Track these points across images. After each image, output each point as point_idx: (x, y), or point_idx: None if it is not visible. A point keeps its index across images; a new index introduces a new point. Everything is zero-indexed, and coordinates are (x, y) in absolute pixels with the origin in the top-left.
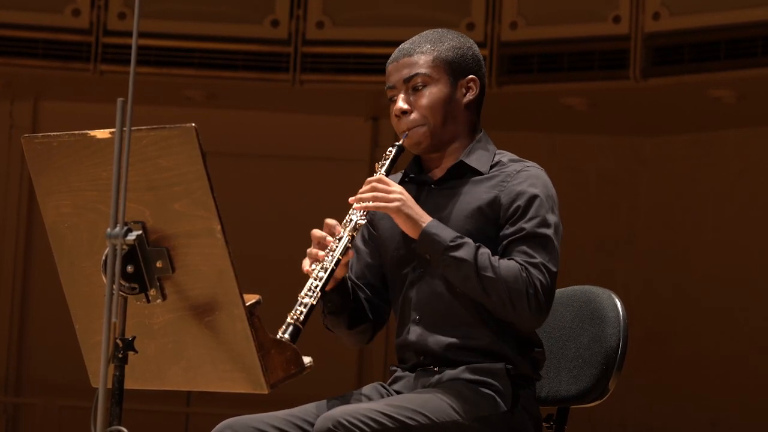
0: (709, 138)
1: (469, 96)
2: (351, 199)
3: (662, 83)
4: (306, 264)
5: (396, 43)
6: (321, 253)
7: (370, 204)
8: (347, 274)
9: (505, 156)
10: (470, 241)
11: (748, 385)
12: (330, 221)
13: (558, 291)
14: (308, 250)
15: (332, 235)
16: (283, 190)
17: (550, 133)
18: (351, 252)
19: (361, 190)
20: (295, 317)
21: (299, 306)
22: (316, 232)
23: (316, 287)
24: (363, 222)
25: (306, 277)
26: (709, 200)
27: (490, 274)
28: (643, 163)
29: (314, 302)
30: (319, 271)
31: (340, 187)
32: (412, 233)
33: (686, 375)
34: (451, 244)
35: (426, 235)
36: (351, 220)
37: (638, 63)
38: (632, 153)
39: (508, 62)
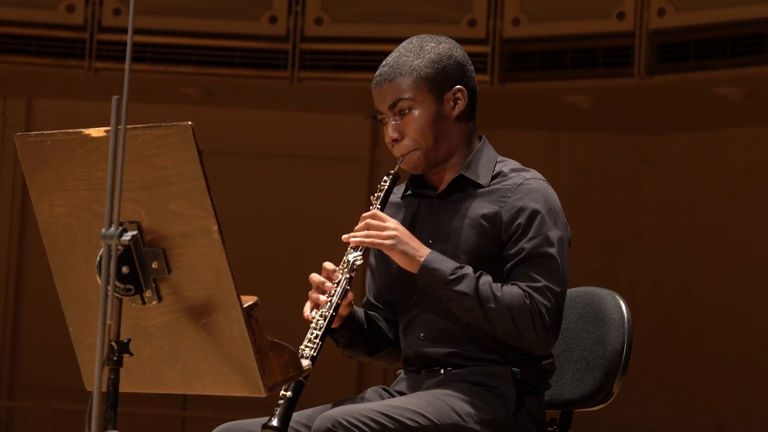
0: (715, 137)
1: (458, 108)
2: (344, 237)
3: (667, 81)
4: (307, 309)
5: (396, 40)
6: (323, 298)
7: (366, 240)
8: (354, 309)
9: (506, 165)
10: (470, 271)
11: (754, 387)
12: (328, 265)
13: None
14: (309, 294)
15: (330, 279)
16: (281, 189)
17: (553, 131)
18: (350, 294)
19: (356, 228)
20: None
21: (300, 358)
22: (315, 278)
23: (316, 337)
24: (360, 262)
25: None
26: (715, 200)
27: (492, 305)
28: (648, 161)
29: (315, 353)
30: (318, 320)
31: (339, 186)
32: (410, 268)
33: (692, 377)
34: (451, 277)
35: (425, 269)
36: (348, 261)
37: (643, 60)
38: (637, 152)
39: (511, 60)
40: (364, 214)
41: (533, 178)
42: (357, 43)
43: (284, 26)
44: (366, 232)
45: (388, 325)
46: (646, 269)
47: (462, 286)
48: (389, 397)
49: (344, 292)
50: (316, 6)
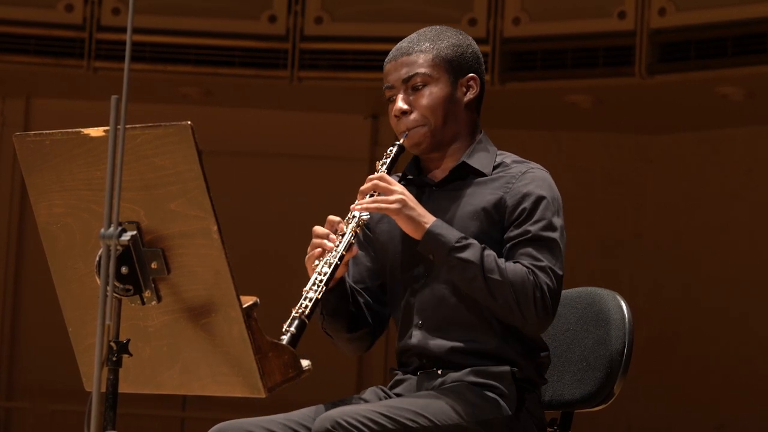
0: (716, 136)
1: (470, 95)
2: (352, 207)
3: (668, 80)
4: (313, 254)
5: (396, 39)
6: (329, 243)
7: (372, 206)
8: (344, 275)
9: (507, 157)
10: (475, 242)
11: (754, 387)
12: (333, 218)
13: (562, 292)
14: (313, 241)
15: (335, 232)
16: (280, 190)
17: (554, 131)
18: (355, 248)
19: (362, 187)
20: (300, 311)
21: (304, 300)
22: (319, 230)
23: (320, 282)
24: (366, 217)
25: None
26: (717, 200)
27: (496, 276)
28: (649, 161)
29: (319, 296)
30: (322, 266)
31: (339, 187)
32: (415, 234)
33: (692, 378)
34: (457, 245)
35: (430, 235)
36: (354, 216)
37: (644, 59)
38: (638, 151)
39: (511, 59)
40: (371, 176)
41: (537, 168)
42: (357, 42)
43: (284, 25)
44: (372, 197)
45: (367, 310)
46: (646, 269)
47: (467, 254)
48: (387, 398)
49: (349, 245)
50: (316, 5)
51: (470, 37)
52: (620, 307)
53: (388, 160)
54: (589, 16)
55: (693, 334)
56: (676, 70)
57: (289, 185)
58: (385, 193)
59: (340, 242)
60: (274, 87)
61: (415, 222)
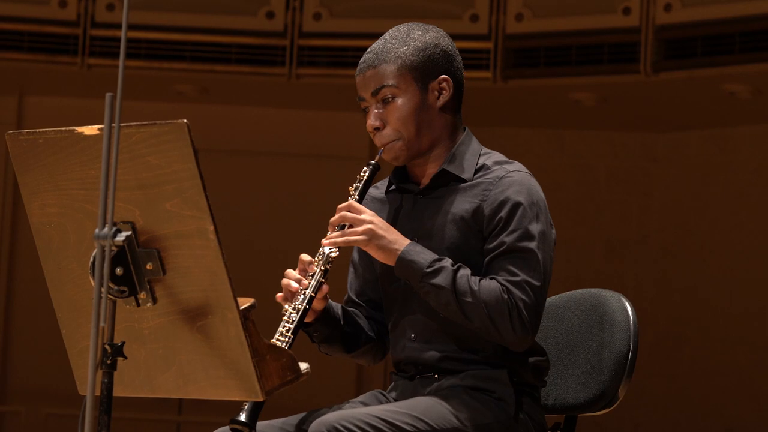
0: (723, 134)
1: (443, 98)
2: (322, 241)
3: (674, 77)
4: (280, 297)
5: None
6: (294, 285)
7: (339, 240)
8: (329, 303)
9: (490, 158)
10: (448, 264)
11: (763, 390)
12: (304, 257)
13: (566, 294)
14: (282, 282)
15: (306, 272)
16: (278, 189)
17: (557, 129)
18: (325, 287)
19: (331, 220)
20: None
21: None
22: (291, 274)
23: (288, 330)
24: (335, 254)
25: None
26: (724, 199)
27: (469, 299)
28: (655, 160)
29: (287, 347)
30: (291, 313)
31: (337, 186)
32: (388, 261)
33: (699, 381)
34: (428, 270)
35: (402, 262)
36: (323, 253)
37: (649, 56)
38: (643, 150)
39: (514, 56)
40: (340, 206)
41: (516, 170)
42: (356, 38)
43: (282, 22)
44: (341, 231)
45: (370, 324)
46: (652, 270)
47: (438, 279)
48: (386, 402)
49: (319, 285)
50: (315, 1)
51: (440, 32)
52: (625, 308)
53: (361, 184)
54: (593, 12)
55: (700, 335)
56: (682, 67)
57: (288, 184)
58: (354, 223)
59: (309, 283)
60: (272, 84)
61: (386, 250)
